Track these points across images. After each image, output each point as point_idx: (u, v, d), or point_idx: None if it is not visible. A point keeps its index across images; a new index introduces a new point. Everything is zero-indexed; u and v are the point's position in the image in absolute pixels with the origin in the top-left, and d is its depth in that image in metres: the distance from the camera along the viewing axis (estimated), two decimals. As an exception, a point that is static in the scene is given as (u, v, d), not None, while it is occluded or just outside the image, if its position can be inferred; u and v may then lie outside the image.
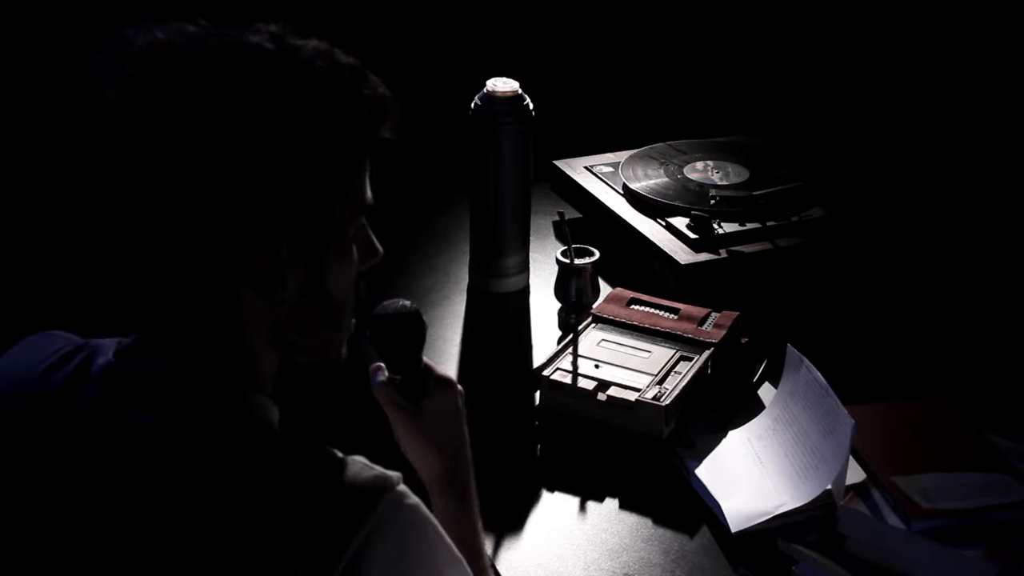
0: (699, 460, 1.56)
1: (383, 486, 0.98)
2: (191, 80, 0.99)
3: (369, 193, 1.09)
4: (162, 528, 0.96)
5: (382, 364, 1.30)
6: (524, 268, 2.00)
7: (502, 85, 1.88)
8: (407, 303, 1.31)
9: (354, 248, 1.09)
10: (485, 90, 1.89)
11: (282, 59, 1.01)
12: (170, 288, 1.03)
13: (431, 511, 1.05)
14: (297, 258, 1.03)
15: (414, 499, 1.01)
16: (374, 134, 1.06)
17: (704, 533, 1.47)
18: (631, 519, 1.50)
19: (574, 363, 1.66)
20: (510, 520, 1.48)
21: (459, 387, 1.29)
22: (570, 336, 1.68)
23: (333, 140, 1.02)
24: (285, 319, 1.05)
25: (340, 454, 1.00)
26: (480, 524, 1.26)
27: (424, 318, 1.31)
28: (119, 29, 1.02)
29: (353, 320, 1.14)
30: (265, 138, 0.99)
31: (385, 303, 1.31)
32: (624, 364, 1.67)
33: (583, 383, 1.63)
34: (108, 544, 0.97)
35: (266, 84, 1.00)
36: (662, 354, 1.69)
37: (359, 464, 1.00)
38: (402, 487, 1.00)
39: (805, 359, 1.59)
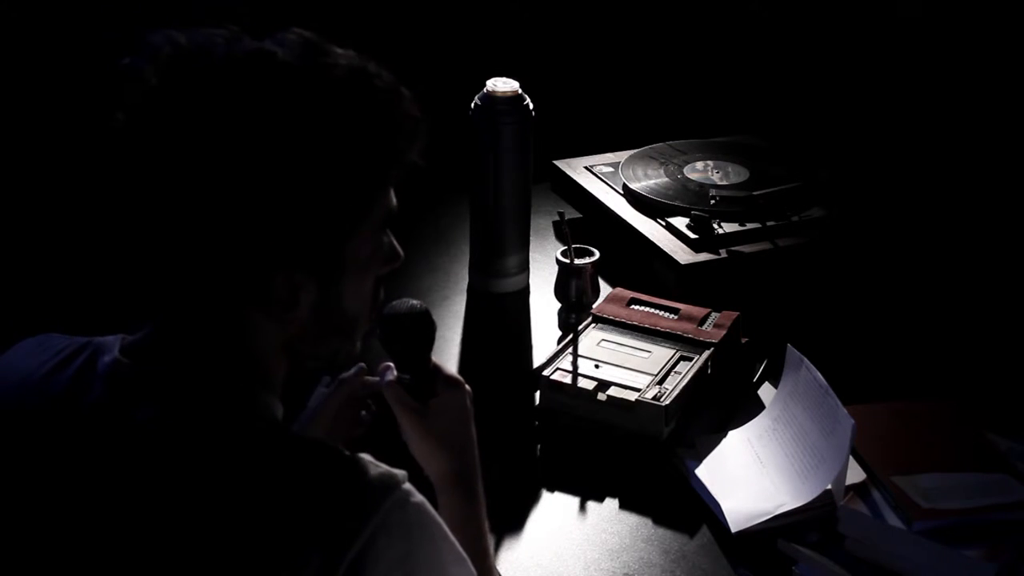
0: (699, 460, 1.56)
1: (388, 484, 0.98)
2: (213, 101, 0.96)
3: (393, 201, 1.06)
4: (168, 524, 0.96)
5: (391, 363, 1.30)
6: (524, 268, 2.00)
7: (502, 85, 1.88)
8: (416, 303, 1.30)
9: (372, 258, 1.07)
10: (485, 90, 1.89)
11: (311, 82, 0.98)
12: (179, 302, 1.02)
13: (437, 510, 1.05)
14: (312, 281, 1.02)
15: (419, 497, 1.01)
16: (402, 159, 1.04)
17: (704, 533, 1.47)
18: (631, 519, 1.50)
19: (574, 363, 1.66)
20: (510, 520, 1.48)
21: (467, 387, 1.29)
22: (570, 336, 1.68)
23: (358, 171, 1.00)
24: (297, 333, 1.05)
25: (346, 452, 1.00)
26: (486, 524, 1.26)
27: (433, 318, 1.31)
28: (143, 34, 0.98)
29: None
30: (285, 169, 0.96)
31: (394, 303, 1.30)
32: (624, 364, 1.67)
33: (583, 383, 1.63)
34: (116, 537, 0.97)
35: (291, 111, 0.96)
36: (662, 354, 1.69)
37: (365, 462, 0.99)
38: (407, 485, 1.00)
39: (805, 359, 1.59)
